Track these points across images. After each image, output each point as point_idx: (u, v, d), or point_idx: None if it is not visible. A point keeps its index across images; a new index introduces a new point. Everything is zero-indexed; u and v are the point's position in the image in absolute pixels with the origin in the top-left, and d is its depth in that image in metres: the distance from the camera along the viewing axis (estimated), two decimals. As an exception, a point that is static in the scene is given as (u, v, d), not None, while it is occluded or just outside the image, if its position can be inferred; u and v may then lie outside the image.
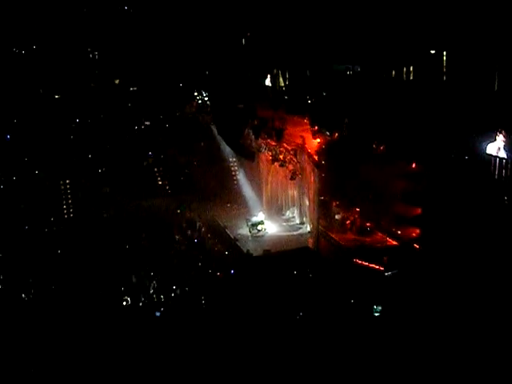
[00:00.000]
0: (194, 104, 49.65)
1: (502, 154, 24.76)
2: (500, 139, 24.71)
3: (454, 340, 21.16)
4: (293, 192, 39.22)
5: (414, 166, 30.35)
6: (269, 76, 43.08)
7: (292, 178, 37.04)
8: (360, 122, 32.40)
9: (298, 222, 38.83)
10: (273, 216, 39.93)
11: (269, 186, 41.70)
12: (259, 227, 37.32)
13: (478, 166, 25.97)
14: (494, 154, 25.13)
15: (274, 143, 38.07)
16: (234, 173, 46.38)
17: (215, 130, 46.35)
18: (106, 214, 40.85)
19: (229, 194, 44.49)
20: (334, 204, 35.35)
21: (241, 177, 45.19)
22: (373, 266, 28.56)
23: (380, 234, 32.62)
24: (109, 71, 52.14)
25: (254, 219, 37.90)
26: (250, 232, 37.26)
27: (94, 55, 52.76)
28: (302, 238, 36.02)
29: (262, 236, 37.07)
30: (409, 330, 22.46)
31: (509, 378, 19.10)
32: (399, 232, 31.29)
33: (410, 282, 26.35)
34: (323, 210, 34.94)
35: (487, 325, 21.36)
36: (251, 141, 41.78)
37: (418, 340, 21.68)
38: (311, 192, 35.34)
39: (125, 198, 42.66)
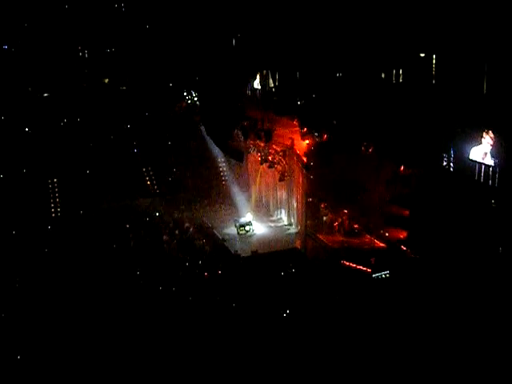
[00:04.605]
0: (183, 104, 49.62)
1: (489, 161, 24.66)
2: (487, 142, 24.60)
3: (441, 339, 21.29)
4: (281, 193, 39.28)
5: (402, 168, 30.51)
6: (258, 77, 43.09)
7: (280, 180, 37.13)
8: (349, 124, 32.48)
9: (285, 223, 38.89)
10: (261, 217, 39.98)
11: (257, 186, 41.78)
12: (247, 228, 37.36)
13: (464, 171, 26.07)
14: (480, 160, 25.02)
15: (262, 144, 38.14)
16: (222, 173, 46.38)
17: (204, 131, 46.32)
18: (93, 213, 40.62)
19: (217, 195, 44.47)
20: (322, 205, 35.44)
21: (229, 177, 45.20)
22: (360, 267, 28.66)
23: (368, 235, 32.74)
24: (98, 70, 52.03)
25: (242, 220, 37.91)
26: (238, 233, 37.28)
27: (83, 54, 52.62)
28: (290, 239, 36.09)
29: (250, 237, 37.10)
30: (396, 329, 22.56)
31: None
32: (387, 234, 31.41)
33: (399, 283, 26.48)
34: (311, 211, 35.02)
35: (475, 323, 21.50)
36: (240, 142, 41.84)
37: (406, 339, 21.78)
38: (299, 193, 35.42)
39: (113, 198, 42.48)
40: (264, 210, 41.35)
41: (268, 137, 37.22)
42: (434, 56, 27.57)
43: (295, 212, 37.15)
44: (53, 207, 42.21)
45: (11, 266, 31.80)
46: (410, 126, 28.08)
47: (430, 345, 21.21)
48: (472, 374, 19.39)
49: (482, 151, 24.83)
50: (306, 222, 34.34)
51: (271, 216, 40.49)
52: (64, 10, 49.82)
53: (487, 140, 24.50)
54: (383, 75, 31.45)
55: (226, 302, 26.32)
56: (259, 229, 38.00)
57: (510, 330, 20.85)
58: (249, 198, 42.14)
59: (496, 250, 24.56)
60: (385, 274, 27.96)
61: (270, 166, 37.74)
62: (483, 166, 24.91)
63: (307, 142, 35.10)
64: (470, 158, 25.37)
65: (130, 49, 50.39)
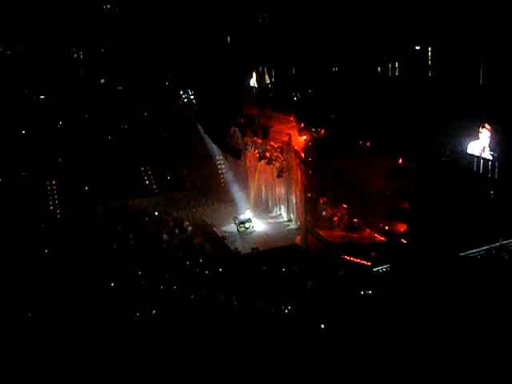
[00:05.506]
0: (180, 102, 49.57)
1: (487, 155, 24.57)
2: (485, 136, 24.52)
3: (442, 332, 21.27)
4: (280, 189, 39.24)
5: (400, 161, 30.49)
6: (254, 75, 43.03)
7: (279, 176, 37.07)
8: (346, 119, 32.46)
9: (285, 219, 38.87)
10: (260, 214, 39.97)
11: (256, 183, 41.74)
12: (247, 225, 37.31)
13: (463, 164, 26.03)
14: (478, 154, 24.94)
15: (260, 141, 38.07)
16: (220, 171, 46.43)
17: (201, 129, 46.29)
18: (93, 213, 40.60)
19: (216, 193, 44.47)
20: (322, 201, 35.44)
21: (228, 175, 45.18)
22: (361, 261, 28.66)
23: (367, 229, 32.75)
24: (94, 71, 51.99)
25: (242, 217, 37.89)
26: (238, 230, 37.25)
27: (78, 55, 52.57)
28: (290, 235, 36.07)
29: (250, 234, 37.05)
30: (397, 322, 22.54)
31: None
32: (387, 227, 31.42)
33: (399, 277, 26.45)
34: (310, 206, 35.00)
35: (476, 316, 21.48)
36: (237, 139, 41.79)
37: (407, 332, 21.76)
38: (298, 189, 35.39)
39: (112, 198, 42.48)
40: (263, 206, 41.33)
41: (265, 133, 37.14)
42: (430, 49, 27.58)
43: (294, 208, 37.13)
44: (52, 209, 42.21)
45: (11, 267, 31.76)
46: (407, 119, 28.07)
47: (431, 338, 21.19)
48: (473, 370, 19.37)
49: (480, 145, 24.78)
50: (305, 217, 34.32)
51: (270, 212, 40.46)
52: (58, 11, 49.71)
53: (485, 134, 24.46)
54: (379, 69, 31.44)
55: (228, 299, 26.29)
56: (259, 226, 37.97)
57: (510, 323, 20.85)
58: (248, 195, 42.11)
59: (496, 240, 24.60)
60: (385, 268, 27.94)
61: (268, 163, 37.66)
62: (482, 160, 24.86)
63: (305, 137, 35.03)
64: (468, 152, 25.32)
65: (125, 48, 50.33)
